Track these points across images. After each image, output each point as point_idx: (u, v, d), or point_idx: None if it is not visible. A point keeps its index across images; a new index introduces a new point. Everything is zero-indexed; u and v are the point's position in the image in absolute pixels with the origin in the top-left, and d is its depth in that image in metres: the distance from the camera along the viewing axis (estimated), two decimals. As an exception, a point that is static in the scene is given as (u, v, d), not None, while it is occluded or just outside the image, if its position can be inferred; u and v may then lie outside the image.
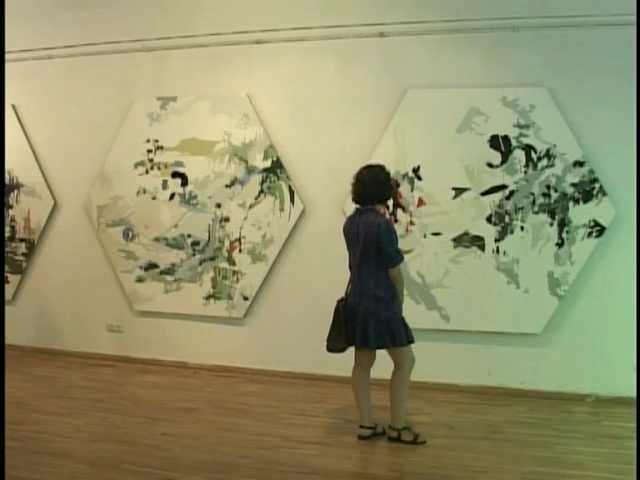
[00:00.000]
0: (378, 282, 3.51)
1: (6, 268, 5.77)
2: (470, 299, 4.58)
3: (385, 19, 4.61)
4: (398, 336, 3.51)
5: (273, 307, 5.08)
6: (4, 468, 2.75)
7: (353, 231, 3.57)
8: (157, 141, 5.22)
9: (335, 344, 3.64)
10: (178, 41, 5.08)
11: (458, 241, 4.59)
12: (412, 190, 4.65)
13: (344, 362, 4.34)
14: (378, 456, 3.62)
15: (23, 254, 5.73)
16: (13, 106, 5.66)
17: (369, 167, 3.72)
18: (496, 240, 4.53)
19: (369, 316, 3.49)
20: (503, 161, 4.50)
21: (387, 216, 4.36)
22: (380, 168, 3.70)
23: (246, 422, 4.05)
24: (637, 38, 4.08)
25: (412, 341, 3.60)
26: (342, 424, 4.00)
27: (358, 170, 3.72)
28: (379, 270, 3.50)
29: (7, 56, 5.49)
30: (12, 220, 5.75)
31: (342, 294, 3.73)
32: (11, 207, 5.74)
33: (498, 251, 4.54)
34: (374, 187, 3.58)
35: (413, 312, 4.11)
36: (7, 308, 5.74)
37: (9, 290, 5.78)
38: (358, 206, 3.68)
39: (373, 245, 3.46)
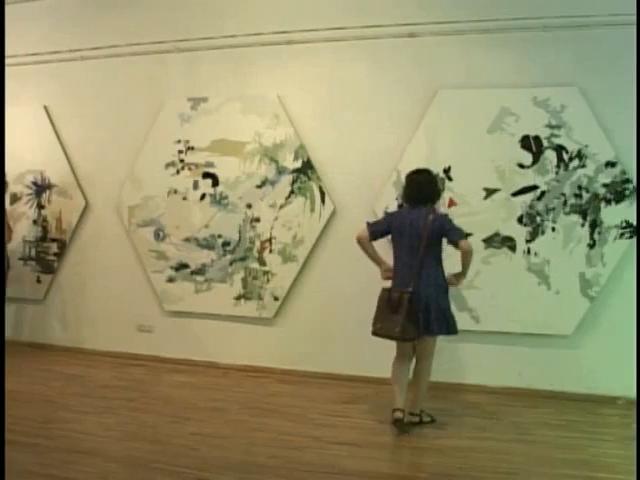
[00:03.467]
0: (438, 272, 4.19)
1: (38, 268, 6.55)
2: (501, 300, 5.13)
3: (416, 19, 5.21)
4: (452, 325, 4.18)
5: (303, 307, 5.71)
6: (4, 468, 3.03)
7: (410, 225, 4.18)
8: (188, 142, 5.90)
9: (381, 330, 4.18)
10: (209, 42, 5.76)
11: (489, 242, 5.16)
12: (443, 191, 5.19)
13: (374, 362, 5.02)
14: (407, 457, 3.98)
15: (55, 254, 6.49)
16: (45, 107, 6.44)
17: (419, 171, 4.39)
18: (527, 241, 5.09)
19: (432, 304, 4.10)
20: (534, 162, 5.05)
21: None
22: (429, 172, 4.40)
23: (276, 422, 4.46)
24: (637, 38, 4.64)
25: (457, 332, 4.26)
26: (372, 425, 4.42)
27: (408, 174, 4.40)
28: (440, 261, 4.21)
29: (40, 57, 6.29)
30: (44, 220, 6.50)
31: (371, 294, 4.39)
32: (43, 207, 6.50)
33: (529, 252, 5.09)
34: (431, 190, 4.29)
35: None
36: (38, 307, 6.58)
37: (41, 289, 6.56)
38: (407, 205, 4.39)
39: (437, 236, 4.11)
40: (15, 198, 6.59)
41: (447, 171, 5.22)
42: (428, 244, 4.12)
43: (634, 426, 4.30)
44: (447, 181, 5.22)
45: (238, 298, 5.83)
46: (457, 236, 4.09)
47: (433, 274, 4.18)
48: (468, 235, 4.97)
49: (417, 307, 4.09)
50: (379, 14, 5.31)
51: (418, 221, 4.17)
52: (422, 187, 4.26)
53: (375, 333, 4.27)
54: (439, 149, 5.21)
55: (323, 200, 5.55)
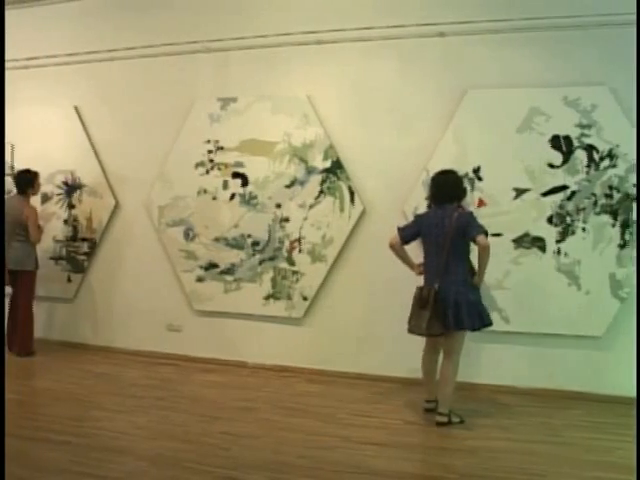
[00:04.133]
0: (465, 269, 4.54)
1: (68, 267, 6.98)
2: (530, 301, 5.42)
3: (445, 19, 5.51)
4: (485, 317, 4.57)
5: (332, 307, 6.04)
6: (4, 468, 3.17)
7: (436, 224, 4.56)
8: (217, 141, 6.27)
9: (434, 330, 4.51)
10: (238, 42, 6.12)
11: (518, 242, 5.43)
12: (472, 190, 5.51)
13: (403, 362, 5.38)
14: (436, 458, 4.14)
15: (85, 253, 6.92)
16: (76, 107, 6.87)
17: (444, 172, 4.76)
18: (557, 241, 5.37)
19: (461, 299, 4.46)
20: (564, 161, 5.32)
21: None
22: (453, 172, 4.77)
23: (305, 422, 4.70)
24: (637, 38, 4.90)
25: (492, 322, 4.67)
26: (400, 425, 4.66)
27: (433, 175, 4.79)
28: (467, 258, 4.55)
29: (70, 58, 6.73)
30: (74, 220, 6.94)
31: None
32: (73, 207, 6.93)
33: (559, 252, 5.36)
34: (456, 189, 4.68)
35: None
36: (69, 306, 7.00)
37: (71, 288, 7.00)
38: (432, 205, 4.80)
39: (461, 233, 4.46)
40: (46, 198, 7.02)
41: (477, 171, 5.50)
42: (453, 242, 4.49)
43: (634, 425, 4.49)
44: (477, 181, 5.51)
45: (267, 298, 6.18)
46: (475, 231, 4.43)
47: (461, 271, 4.54)
48: (497, 235, 5.32)
49: (445, 304, 4.49)
50: (408, 14, 5.63)
51: (444, 220, 4.55)
52: (446, 187, 4.65)
53: (409, 330, 4.68)
54: (468, 149, 5.51)
55: (352, 200, 5.87)
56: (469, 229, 4.45)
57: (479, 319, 4.54)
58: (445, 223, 4.52)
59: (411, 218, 5.07)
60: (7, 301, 6.46)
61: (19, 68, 6.97)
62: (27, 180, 6.39)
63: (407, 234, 4.75)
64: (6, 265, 6.17)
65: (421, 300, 4.59)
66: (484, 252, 4.43)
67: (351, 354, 5.95)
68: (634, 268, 5.18)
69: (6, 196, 6.67)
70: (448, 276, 4.54)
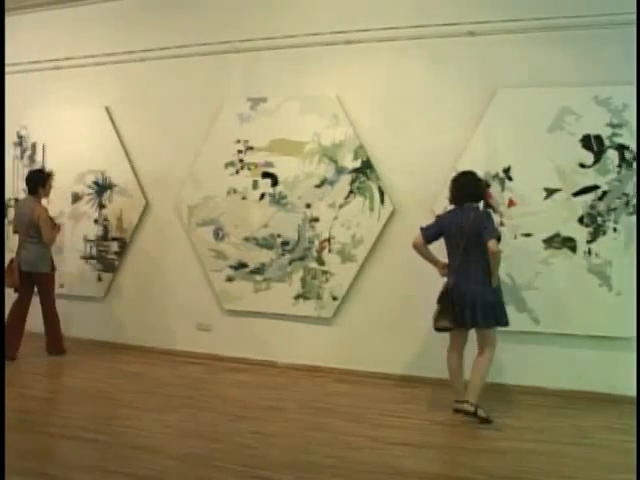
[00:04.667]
0: (484, 269, 4.79)
1: (99, 266, 7.35)
2: (561, 301, 5.63)
3: (475, 18, 5.74)
4: (500, 317, 4.84)
5: (362, 307, 6.31)
6: (4, 468, 3.29)
7: (456, 224, 4.89)
8: (247, 141, 6.59)
9: (440, 323, 4.95)
10: (268, 42, 6.43)
11: (549, 242, 5.65)
12: (502, 191, 5.74)
13: (432, 363, 5.58)
14: (465, 458, 4.26)
15: (115, 253, 7.28)
16: (106, 108, 7.25)
17: (464, 173, 5.10)
18: (588, 242, 5.57)
19: (477, 299, 4.78)
20: (595, 161, 5.52)
21: None
22: (471, 173, 5.08)
23: (334, 422, 4.92)
24: (637, 38, 5.10)
25: (509, 323, 4.91)
26: (429, 425, 4.86)
27: (453, 177, 5.12)
28: (484, 259, 4.77)
29: (101, 59, 7.11)
30: (105, 219, 7.30)
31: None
32: (104, 207, 7.30)
33: (590, 253, 5.57)
34: (474, 189, 5.00)
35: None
36: (99, 305, 7.37)
37: (102, 288, 7.38)
38: (453, 206, 5.07)
39: (478, 233, 4.75)
40: (77, 197, 7.41)
41: (507, 171, 5.73)
42: (470, 241, 4.81)
43: (634, 425, 4.68)
44: (507, 181, 5.73)
45: (297, 298, 6.48)
46: (486, 235, 4.72)
47: (480, 271, 4.82)
48: (528, 235, 5.57)
49: (462, 302, 4.84)
50: (438, 13, 5.88)
51: (462, 220, 4.87)
52: (463, 187, 4.98)
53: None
54: (498, 149, 5.74)
55: (382, 200, 6.13)
56: (482, 231, 4.74)
57: (493, 319, 4.83)
58: (463, 223, 4.85)
59: (439, 218, 5.35)
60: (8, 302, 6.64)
61: (50, 69, 7.38)
62: (38, 179, 6.55)
63: (430, 234, 5.06)
64: (20, 267, 6.44)
65: (442, 298, 4.99)
66: (493, 257, 4.73)
67: (380, 354, 6.21)
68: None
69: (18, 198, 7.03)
70: (466, 275, 4.87)
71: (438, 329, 5.02)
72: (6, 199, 7.67)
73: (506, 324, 4.90)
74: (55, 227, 6.61)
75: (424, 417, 5.06)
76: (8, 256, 6.75)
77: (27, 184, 6.57)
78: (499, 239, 4.83)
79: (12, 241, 6.93)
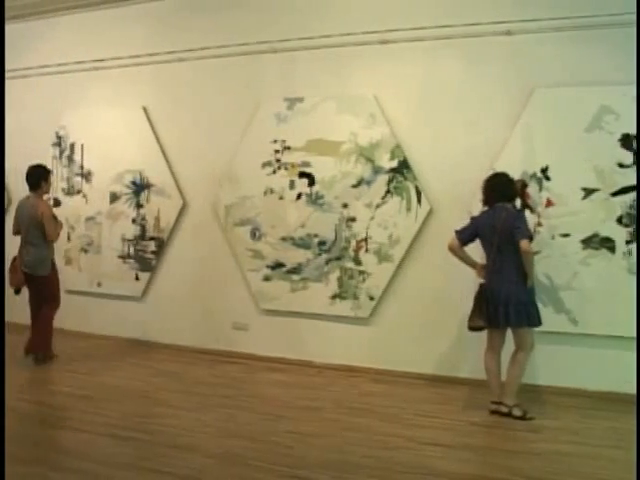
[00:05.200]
0: (518, 269, 5.05)
1: (136, 265, 7.74)
2: (599, 302, 5.80)
3: (512, 17, 5.95)
4: (533, 317, 5.08)
5: (399, 307, 6.58)
6: (4, 468, 3.35)
7: (489, 225, 5.16)
8: (284, 141, 6.90)
9: (474, 322, 5.23)
10: (304, 42, 6.73)
11: (587, 243, 5.83)
12: (540, 190, 5.95)
13: (469, 364, 5.85)
14: (501, 460, 4.38)
15: (153, 252, 7.66)
16: (144, 108, 7.62)
17: (496, 175, 5.38)
18: (627, 242, 5.74)
19: (511, 298, 5.03)
20: (635, 161, 5.68)
21: None
22: (504, 174, 5.34)
23: (370, 422, 5.11)
24: (637, 38, 5.28)
25: (541, 323, 5.14)
26: (465, 426, 5.03)
27: (486, 178, 5.38)
28: (518, 258, 5.01)
29: (139, 59, 7.49)
30: (142, 219, 7.68)
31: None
32: (142, 206, 7.68)
33: (629, 253, 5.73)
34: (506, 190, 5.26)
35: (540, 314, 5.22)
36: (137, 304, 7.75)
37: (139, 287, 7.77)
38: (487, 207, 5.33)
39: (510, 234, 5.00)
40: (114, 197, 7.81)
41: (544, 171, 5.92)
42: (502, 240, 5.08)
43: (634, 426, 4.78)
44: (545, 181, 5.93)
45: (333, 297, 6.76)
46: (518, 235, 4.98)
47: (513, 270, 5.09)
48: (566, 235, 5.77)
49: (495, 302, 5.10)
50: (475, 12, 6.11)
51: (494, 220, 5.14)
52: (495, 188, 5.25)
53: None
54: (536, 148, 5.94)
55: (419, 200, 6.39)
56: (515, 231, 5.00)
57: (526, 319, 5.07)
58: (495, 223, 5.11)
59: (475, 219, 5.60)
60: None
61: (89, 70, 7.79)
62: (40, 174, 6.60)
63: (465, 236, 5.34)
64: (22, 268, 6.50)
65: (477, 298, 5.27)
66: (525, 256, 4.99)
67: (416, 354, 6.46)
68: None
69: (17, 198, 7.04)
70: (500, 275, 5.13)
71: (472, 328, 5.29)
72: (46, 199, 8.05)
73: (538, 324, 5.14)
74: (57, 224, 6.69)
75: (460, 418, 5.23)
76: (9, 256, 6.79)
77: (28, 180, 6.58)
78: (531, 239, 5.07)
79: (13, 243, 6.93)
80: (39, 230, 6.47)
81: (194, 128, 7.39)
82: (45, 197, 6.84)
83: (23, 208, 6.61)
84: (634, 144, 5.68)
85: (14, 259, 6.60)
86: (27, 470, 4.08)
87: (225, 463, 4.30)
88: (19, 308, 7.02)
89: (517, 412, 5.14)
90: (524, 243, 4.95)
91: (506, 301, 5.06)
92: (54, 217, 6.65)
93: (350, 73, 6.68)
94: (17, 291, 6.64)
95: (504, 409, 5.17)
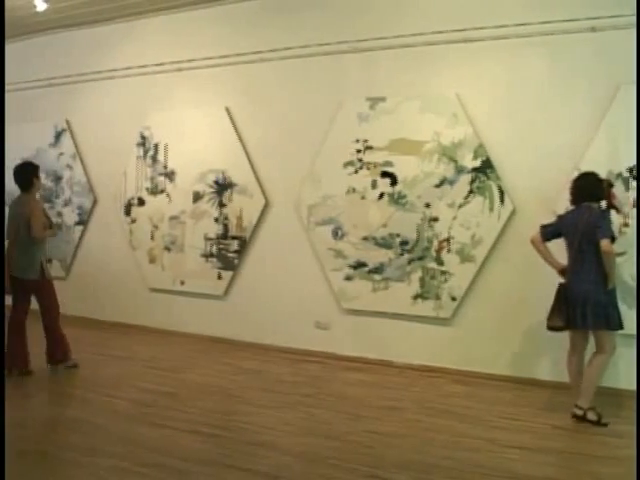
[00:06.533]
0: (598, 269, 5.28)
1: (219, 264, 8.37)
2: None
3: (596, 13, 6.23)
4: (612, 320, 5.27)
5: (481, 308, 6.95)
6: (4, 468, 3.50)
7: (572, 223, 5.44)
8: (366, 141, 7.39)
9: (552, 322, 5.49)
10: (386, 41, 7.21)
11: (676, 244, 6.07)
12: (627, 190, 6.20)
13: (552, 366, 6.14)
14: (583, 465, 4.54)
15: (235, 251, 8.29)
16: (227, 108, 8.25)
17: (585, 174, 5.64)
18: None
19: (588, 298, 5.28)
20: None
21: None
22: (592, 174, 5.63)
23: (450, 423, 5.36)
24: (637, 38, 5.50)
25: (622, 327, 5.31)
26: (548, 430, 5.23)
27: (574, 177, 5.68)
28: (598, 258, 5.25)
29: (221, 60, 8.14)
30: (225, 218, 8.31)
31: (550, 296, 5.63)
32: (224, 206, 8.31)
33: None
34: (589, 188, 5.51)
35: (625, 317, 5.44)
36: (219, 303, 8.37)
37: (221, 285, 8.39)
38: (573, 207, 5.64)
39: (592, 233, 5.24)
40: (197, 196, 8.47)
41: (631, 170, 6.18)
42: (583, 240, 5.35)
43: (635, 425, 5.02)
44: (631, 180, 6.19)
45: (415, 297, 7.20)
46: (599, 234, 5.21)
47: (593, 270, 5.33)
48: (652, 237, 5.99)
49: (574, 302, 5.35)
50: (558, 9, 6.41)
51: (577, 219, 5.42)
52: (582, 188, 5.52)
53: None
54: (622, 147, 6.21)
55: (502, 199, 6.77)
56: (596, 230, 5.25)
57: (605, 322, 5.28)
58: (577, 222, 5.40)
59: (560, 218, 5.90)
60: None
61: (173, 71, 8.49)
62: (30, 171, 6.63)
63: (548, 232, 5.65)
64: (11, 272, 6.40)
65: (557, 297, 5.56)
66: (605, 257, 5.22)
67: (498, 356, 6.82)
68: None
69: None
70: (579, 274, 5.40)
71: (550, 328, 5.57)
72: (130, 198, 8.87)
73: (618, 328, 5.30)
74: (47, 223, 6.70)
75: (542, 421, 5.44)
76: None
77: (18, 180, 6.60)
78: (614, 239, 5.31)
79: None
80: (28, 230, 6.44)
81: (276, 128, 7.95)
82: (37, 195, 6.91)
83: (14, 210, 6.55)
84: None
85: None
86: (112, 464, 4.49)
87: (304, 461, 4.57)
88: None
89: (591, 416, 5.34)
90: (605, 243, 5.17)
91: (584, 301, 5.29)
92: (47, 217, 6.77)
93: (432, 72, 7.10)
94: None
95: (579, 412, 5.38)
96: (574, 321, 5.39)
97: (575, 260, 5.46)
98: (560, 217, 5.73)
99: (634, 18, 5.98)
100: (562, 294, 5.47)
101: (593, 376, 5.40)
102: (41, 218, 6.58)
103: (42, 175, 8.74)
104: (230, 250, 8.30)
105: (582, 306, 5.32)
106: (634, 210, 6.17)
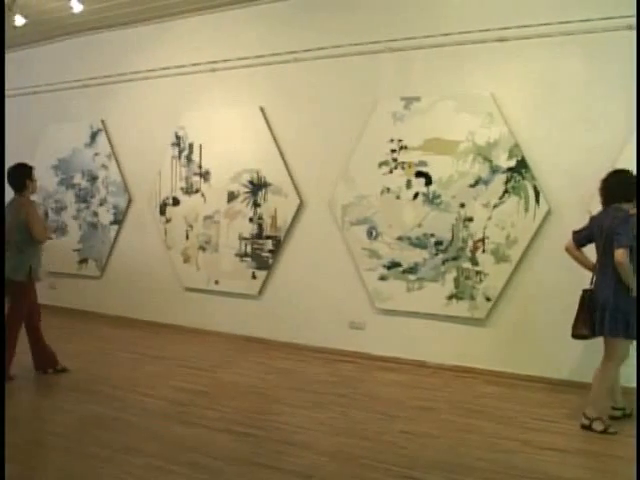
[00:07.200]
0: (619, 275, 5.12)
1: (253, 264, 8.53)
2: None
3: (634, 11, 6.14)
4: (629, 329, 5.09)
5: (516, 309, 7.02)
6: (4, 467, 3.53)
7: (598, 226, 5.32)
8: (401, 141, 7.49)
9: (578, 330, 5.37)
10: (421, 41, 7.31)
11: None
12: (662, 191, 6.24)
13: (587, 367, 6.01)
14: (618, 467, 4.55)
15: (270, 251, 8.43)
16: (261, 108, 8.40)
17: (616, 172, 5.51)
18: None
19: (607, 304, 5.17)
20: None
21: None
22: (624, 172, 5.55)
23: (484, 424, 5.41)
24: (637, 38, 5.50)
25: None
26: (583, 432, 5.25)
27: (605, 176, 5.58)
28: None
29: (255, 60, 8.29)
30: (259, 218, 8.46)
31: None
32: (259, 205, 8.46)
33: None
34: (619, 188, 5.35)
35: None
36: (253, 302, 8.53)
37: (256, 285, 8.54)
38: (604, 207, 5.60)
39: (613, 238, 5.10)
40: (232, 196, 8.63)
41: (669, 170, 6.24)
42: (607, 243, 5.22)
43: (634, 426, 5.03)
44: (668, 180, 6.23)
45: (450, 298, 7.29)
46: (616, 242, 5.08)
47: (614, 275, 5.18)
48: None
49: (593, 306, 5.28)
50: (593, 7, 6.44)
51: (604, 222, 5.30)
52: (611, 187, 5.40)
53: None
54: (660, 147, 6.23)
55: (537, 200, 6.82)
56: (614, 237, 5.11)
57: (624, 329, 5.13)
58: (603, 225, 5.28)
59: (594, 220, 5.90)
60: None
61: (207, 71, 8.67)
62: (23, 172, 6.55)
63: (581, 237, 5.57)
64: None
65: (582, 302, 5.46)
66: (619, 267, 5.09)
67: (534, 357, 6.88)
68: None
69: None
70: (602, 279, 5.31)
71: (575, 336, 5.45)
72: (165, 198, 9.06)
73: (635, 337, 5.13)
74: (46, 226, 6.78)
75: (577, 423, 5.42)
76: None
77: (11, 182, 6.54)
78: (632, 249, 5.08)
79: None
80: (23, 233, 6.40)
81: (310, 127, 8.09)
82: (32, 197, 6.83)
83: (7, 212, 6.42)
84: None
85: None
86: (146, 462, 4.59)
87: (338, 461, 4.64)
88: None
89: (598, 426, 5.29)
90: (619, 253, 5.03)
91: (603, 306, 5.20)
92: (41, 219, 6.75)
93: (467, 72, 7.17)
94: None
95: (585, 421, 5.35)
96: (593, 327, 5.32)
97: (600, 265, 5.37)
98: (591, 219, 5.58)
99: (672, 16, 5.99)
100: (586, 301, 5.39)
101: (599, 385, 5.37)
102: (41, 221, 6.71)
103: (78, 175, 9.18)
104: (264, 250, 8.44)
105: (601, 310, 5.23)
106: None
